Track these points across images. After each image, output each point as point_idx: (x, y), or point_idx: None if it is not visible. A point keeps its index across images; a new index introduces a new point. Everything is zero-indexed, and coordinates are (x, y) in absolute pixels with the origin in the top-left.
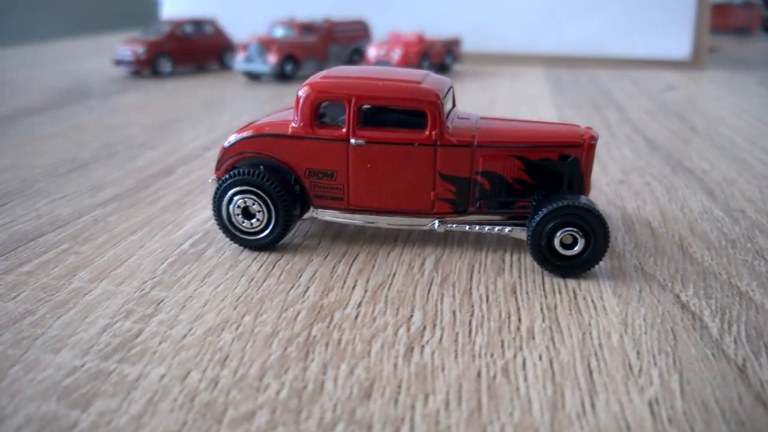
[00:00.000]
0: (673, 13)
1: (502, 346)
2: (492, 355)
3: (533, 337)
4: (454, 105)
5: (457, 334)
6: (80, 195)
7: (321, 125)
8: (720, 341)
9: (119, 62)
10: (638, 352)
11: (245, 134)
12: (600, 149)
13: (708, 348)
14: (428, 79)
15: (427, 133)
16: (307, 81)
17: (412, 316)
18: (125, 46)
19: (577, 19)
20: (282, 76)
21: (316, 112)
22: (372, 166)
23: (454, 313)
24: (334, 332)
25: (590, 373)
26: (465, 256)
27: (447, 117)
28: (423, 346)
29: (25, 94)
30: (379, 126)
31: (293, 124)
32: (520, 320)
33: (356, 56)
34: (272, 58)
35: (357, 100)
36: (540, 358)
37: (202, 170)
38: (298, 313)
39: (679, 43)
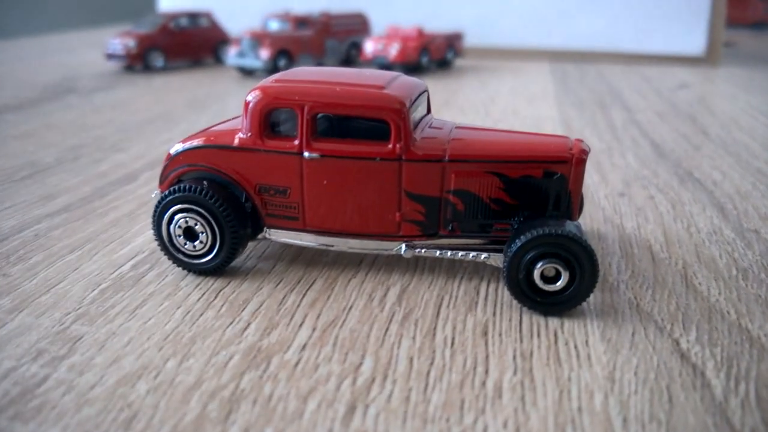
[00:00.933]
0: (687, 6)
1: (462, 407)
2: (447, 420)
3: (500, 396)
4: (429, 111)
5: (410, 389)
6: (29, 205)
7: (272, 136)
8: (725, 405)
9: (110, 56)
10: (625, 419)
11: (189, 144)
12: (601, 156)
13: (709, 415)
14: (395, 83)
15: (390, 146)
16: (258, 85)
17: (361, 363)
18: (116, 39)
19: (586, 12)
20: (275, 71)
21: (266, 120)
22: (329, 183)
23: (411, 360)
24: (267, 384)
25: None
26: (435, 286)
27: (416, 127)
28: (367, 406)
29: (4, 90)
30: (339, 137)
31: (240, 135)
32: (487, 372)
33: (354, 51)
34: (265, 53)
35: (311, 108)
36: (505, 425)
37: None
38: (231, 358)
39: (692, 38)
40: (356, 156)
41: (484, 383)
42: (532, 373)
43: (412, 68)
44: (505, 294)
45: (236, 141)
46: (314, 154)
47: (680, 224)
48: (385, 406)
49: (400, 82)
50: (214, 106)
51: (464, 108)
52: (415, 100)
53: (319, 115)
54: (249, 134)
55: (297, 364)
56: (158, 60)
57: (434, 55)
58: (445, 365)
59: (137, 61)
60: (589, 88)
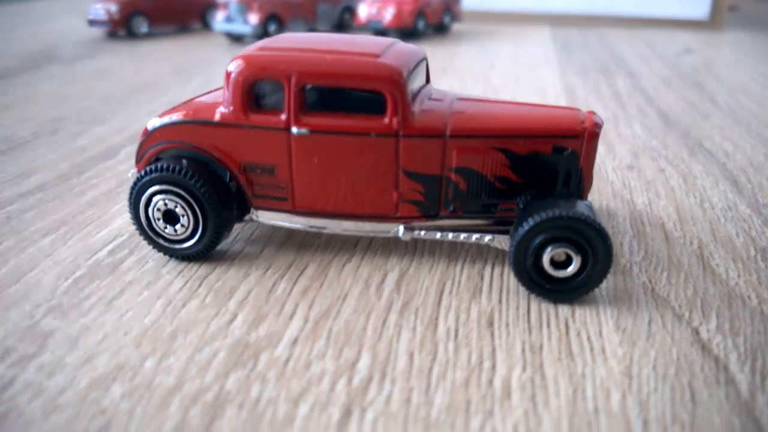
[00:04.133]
0: None
1: (468, 409)
2: (452, 425)
3: (509, 396)
4: (428, 81)
5: (411, 390)
6: (2, 183)
7: (256, 109)
8: (751, 404)
9: (92, 22)
10: (645, 422)
11: (167, 119)
12: (607, 125)
13: (735, 414)
14: (391, 50)
15: (386, 120)
16: (241, 53)
17: (357, 360)
18: (98, 4)
19: None
20: (265, 37)
21: (250, 93)
22: (320, 161)
23: (411, 356)
24: (255, 385)
25: None
26: (435, 271)
27: (414, 99)
28: (365, 409)
29: None
30: (330, 110)
31: (222, 109)
32: (494, 368)
33: (347, 15)
34: (254, 18)
35: (298, 79)
36: (515, 430)
37: None
38: (216, 355)
39: (696, 2)
40: (349, 131)
41: (491, 381)
42: (543, 369)
43: (408, 33)
44: (511, 279)
45: (217, 116)
46: (303, 130)
47: (693, 199)
48: (384, 410)
49: (397, 50)
50: (201, 75)
51: (463, 75)
52: (413, 70)
53: (308, 86)
54: (231, 108)
55: (287, 361)
56: (142, 26)
57: (431, 19)
58: (448, 361)
59: (120, 27)
60: (591, 53)
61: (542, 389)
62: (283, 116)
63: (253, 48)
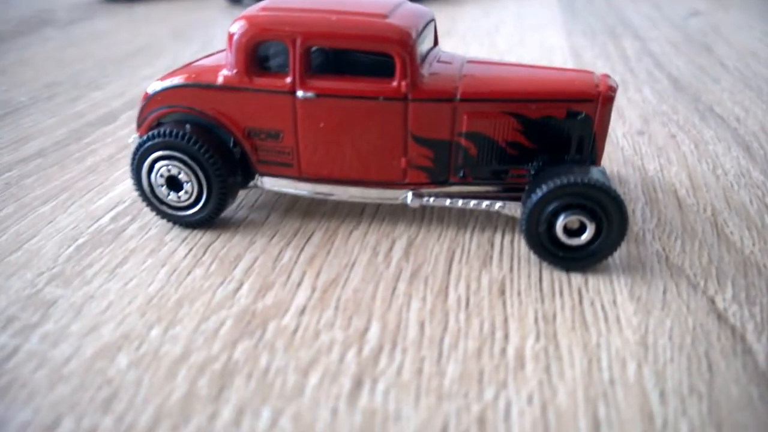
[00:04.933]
0: None
1: (481, 380)
2: (466, 396)
3: (523, 366)
4: (436, 44)
5: (422, 360)
6: (0, 150)
7: (261, 72)
8: None
9: None
10: (662, 393)
11: (169, 82)
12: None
13: (754, 385)
14: (399, 11)
15: (395, 83)
16: (243, 14)
17: (367, 329)
18: None
19: None
20: None
21: (253, 55)
22: (326, 126)
23: (422, 325)
24: (263, 355)
25: (597, 427)
26: (444, 238)
27: (423, 61)
28: (376, 380)
29: None
30: (336, 73)
31: (225, 71)
32: (507, 337)
33: None
34: None
35: (304, 40)
36: (530, 401)
37: None
38: (222, 324)
39: None
40: (356, 95)
41: (504, 350)
42: (557, 339)
43: None
44: (522, 247)
45: (220, 79)
46: (309, 94)
47: (705, 166)
48: (395, 381)
49: (405, 10)
50: (200, 38)
51: (467, 38)
52: (422, 31)
53: (314, 48)
54: (234, 71)
55: (296, 330)
56: None
57: None
58: (460, 330)
59: None
60: (597, 15)
61: (556, 359)
62: (288, 79)
63: (255, 8)
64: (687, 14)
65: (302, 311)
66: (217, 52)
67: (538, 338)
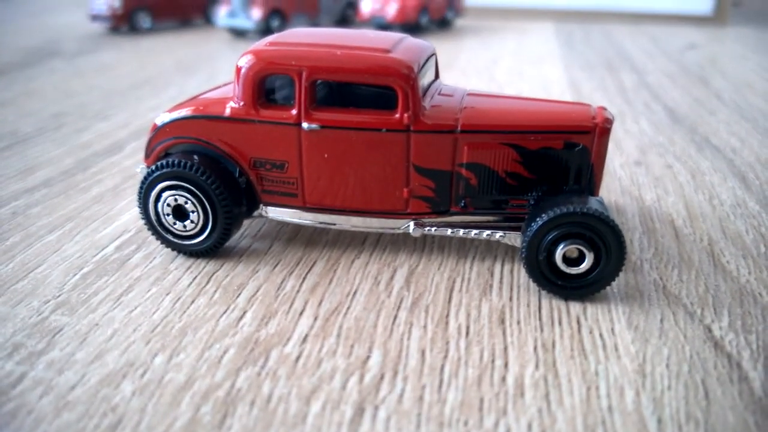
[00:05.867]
0: None
1: (481, 408)
2: (466, 424)
3: (522, 394)
4: (437, 77)
5: (423, 387)
6: (7, 179)
7: (267, 104)
8: (765, 401)
9: (95, 17)
10: (660, 420)
11: (178, 114)
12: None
13: (750, 412)
14: (401, 45)
15: (397, 115)
16: (250, 48)
17: (369, 357)
18: None
19: None
20: (268, 32)
21: (261, 87)
22: (330, 156)
23: (423, 353)
24: (266, 383)
25: None
26: (445, 267)
27: (424, 94)
28: (377, 407)
29: None
30: (339, 106)
31: (232, 104)
32: (506, 366)
33: (350, 10)
34: (256, 13)
35: (309, 74)
36: (529, 428)
37: None
38: (226, 352)
39: None
40: (360, 127)
41: (504, 379)
42: (556, 367)
43: (411, 28)
44: (521, 276)
45: (228, 111)
46: (314, 125)
47: (702, 196)
48: (396, 408)
49: (407, 45)
50: (204, 70)
51: (467, 70)
52: (424, 65)
53: (318, 81)
54: (242, 103)
55: (298, 358)
56: (145, 21)
57: (434, 14)
58: (460, 358)
59: (123, 22)
60: (595, 49)
61: (556, 387)
62: (294, 111)
63: (263, 43)
64: (684, 47)
65: (304, 339)
66: (223, 85)
67: (537, 366)
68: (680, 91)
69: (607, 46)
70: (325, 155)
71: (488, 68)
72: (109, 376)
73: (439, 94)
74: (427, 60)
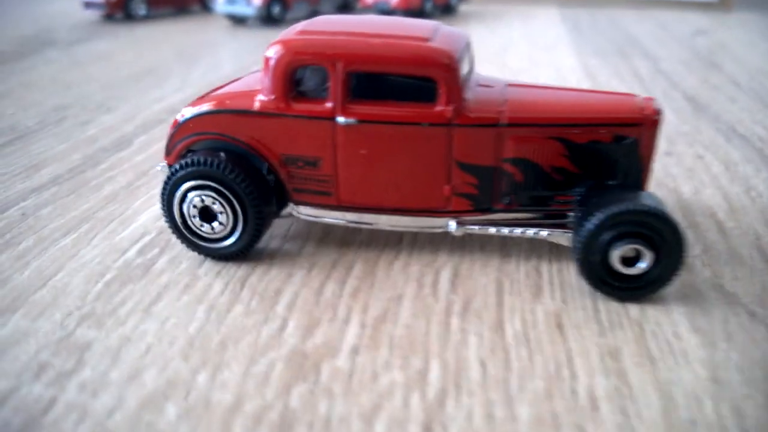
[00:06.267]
0: None
1: (556, 424)
2: None
3: (597, 407)
4: (472, 67)
5: (491, 403)
6: (11, 177)
7: (299, 97)
8: None
9: (88, 5)
10: (744, 431)
11: (202, 109)
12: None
13: None
14: (440, 34)
15: (439, 108)
16: (279, 38)
17: (427, 370)
18: None
19: None
20: (269, 19)
21: (292, 79)
22: (367, 153)
23: (483, 364)
24: (322, 401)
25: None
26: (489, 268)
27: (465, 86)
28: (446, 427)
29: None
30: (375, 98)
31: (261, 97)
32: (575, 376)
33: None
34: None
35: (346, 65)
36: None
37: (164, 141)
38: (273, 367)
39: None
40: (399, 121)
41: (574, 391)
42: (627, 377)
43: (415, 14)
44: (571, 276)
45: (257, 104)
46: (350, 120)
47: (738, 187)
48: (466, 427)
49: (445, 33)
50: (206, 59)
51: (477, 58)
52: (463, 54)
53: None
54: (272, 96)
55: (352, 373)
56: (140, 8)
57: (438, 0)
58: (524, 369)
59: (117, 10)
60: (604, 35)
61: (631, 399)
62: (329, 105)
63: (292, 31)
64: (693, 33)
65: (356, 351)
66: (241, 78)
67: (607, 376)
68: (696, 78)
69: (616, 32)
70: (362, 151)
71: (499, 55)
72: (150, 398)
73: (479, 85)
74: (464, 49)
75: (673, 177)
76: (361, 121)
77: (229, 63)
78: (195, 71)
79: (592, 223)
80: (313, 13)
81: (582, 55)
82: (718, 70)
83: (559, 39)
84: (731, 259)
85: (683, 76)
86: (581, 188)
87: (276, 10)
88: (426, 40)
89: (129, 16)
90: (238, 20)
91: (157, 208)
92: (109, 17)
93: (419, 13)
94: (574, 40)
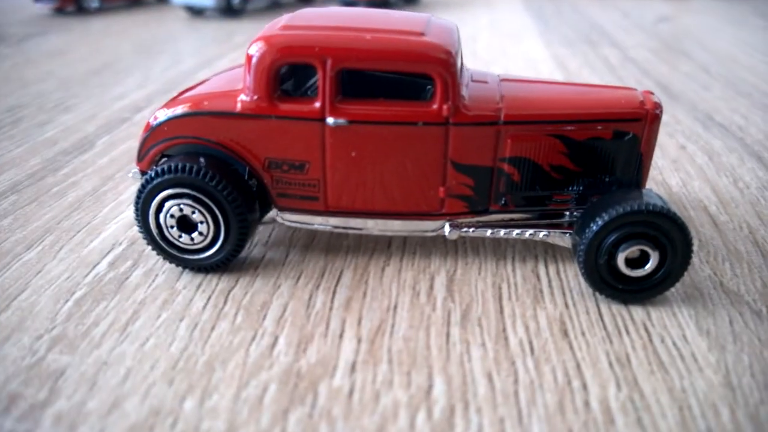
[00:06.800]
0: None
1: None
2: None
3: (612, 420)
4: (462, 61)
5: (502, 420)
6: None
7: (283, 97)
8: None
9: None
10: None
11: (177, 111)
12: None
13: None
14: (432, 27)
15: (435, 106)
16: (262, 33)
17: (431, 386)
18: None
19: None
20: (229, 10)
21: (276, 78)
22: (358, 155)
23: (489, 377)
24: (322, 426)
25: None
26: (485, 272)
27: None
28: None
29: None
30: (365, 97)
31: (243, 97)
32: (585, 387)
33: None
34: None
35: (336, 62)
36: None
37: (129, 142)
38: (265, 389)
39: None
40: (393, 121)
41: (587, 403)
42: (639, 386)
43: (379, 3)
44: (570, 278)
45: (239, 105)
46: (340, 120)
47: (726, 178)
48: None
49: (438, 26)
50: (166, 52)
51: None
52: (458, 48)
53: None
54: (255, 97)
55: (351, 392)
56: (93, 0)
57: None
58: (532, 382)
59: (69, 3)
60: (569, 23)
61: (645, 410)
62: (317, 105)
63: (275, 27)
64: (656, 20)
65: (353, 368)
66: (221, 73)
67: (619, 386)
68: (667, 66)
69: (580, 21)
70: (353, 153)
71: (467, 45)
72: (134, 430)
73: (473, 81)
74: (458, 43)
75: (660, 169)
76: (352, 122)
77: (190, 57)
78: (156, 66)
79: (597, 224)
80: (274, 5)
81: (550, 44)
82: (687, 57)
83: (525, 28)
84: (729, 255)
85: (654, 64)
86: (579, 186)
87: (236, 0)
88: (420, 34)
89: (81, 9)
90: (196, 12)
91: (127, 215)
92: (60, 11)
93: (383, 2)
94: (541, 29)
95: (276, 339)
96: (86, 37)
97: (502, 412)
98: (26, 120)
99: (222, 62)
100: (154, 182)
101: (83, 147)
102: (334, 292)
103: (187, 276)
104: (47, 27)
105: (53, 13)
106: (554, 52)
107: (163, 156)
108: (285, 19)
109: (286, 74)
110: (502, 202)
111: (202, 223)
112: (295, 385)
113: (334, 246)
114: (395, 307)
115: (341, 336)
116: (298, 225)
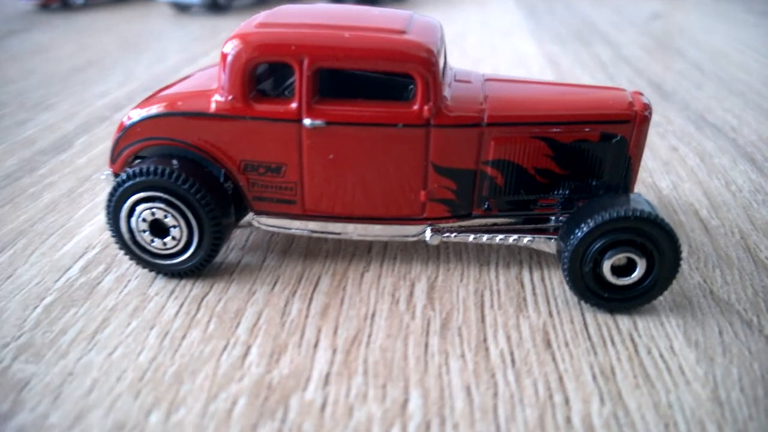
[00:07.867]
0: None
1: None
2: None
3: None
4: (446, 60)
5: None
6: None
7: (259, 97)
8: None
9: None
10: None
11: (150, 111)
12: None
13: None
14: (414, 25)
15: (416, 107)
16: (237, 31)
17: (407, 400)
18: None
19: None
20: (214, 6)
21: (251, 78)
22: (336, 157)
23: (468, 391)
24: None
25: None
26: (468, 279)
27: (443, 82)
28: None
29: None
30: (343, 97)
31: (218, 97)
32: (567, 402)
33: None
34: None
35: (312, 61)
36: None
37: (108, 141)
38: (235, 402)
39: None
40: (372, 122)
41: (569, 419)
42: (624, 400)
43: (367, 1)
44: (555, 285)
45: (213, 106)
46: (318, 122)
47: (717, 181)
48: None
49: (420, 24)
50: (150, 49)
51: None
52: (440, 47)
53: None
54: (230, 97)
55: (324, 406)
56: None
57: None
58: (513, 395)
59: None
60: (561, 20)
61: (630, 427)
62: (294, 105)
63: (251, 24)
64: (648, 17)
65: (326, 380)
66: (198, 72)
67: (602, 400)
68: (659, 65)
69: (573, 18)
70: (331, 156)
71: (457, 42)
72: None
73: (456, 80)
74: (441, 41)
75: (650, 171)
76: (330, 123)
77: (174, 54)
78: (139, 63)
79: (582, 230)
80: (260, 2)
81: (542, 42)
82: (680, 55)
83: (517, 26)
84: (719, 262)
85: (647, 62)
86: (565, 190)
87: None
88: (401, 32)
89: (66, 5)
90: (181, 8)
91: (101, 217)
92: (45, 7)
93: (371, 0)
94: (532, 26)
95: (248, 349)
96: (70, 34)
97: (479, 428)
98: (6, 118)
99: (207, 59)
100: (126, 185)
101: (61, 146)
102: (311, 299)
103: (161, 281)
104: (31, 24)
105: (38, 10)
106: (545, 50)
107: (137, 158)
108: (262, 16)
109: (264, 73)
110: (486, 206)
111: (174, 227)
112: (266, 398)
113: (312, 250)
114: (373, 315)
115: (316, 346)
116: (275, 229)
